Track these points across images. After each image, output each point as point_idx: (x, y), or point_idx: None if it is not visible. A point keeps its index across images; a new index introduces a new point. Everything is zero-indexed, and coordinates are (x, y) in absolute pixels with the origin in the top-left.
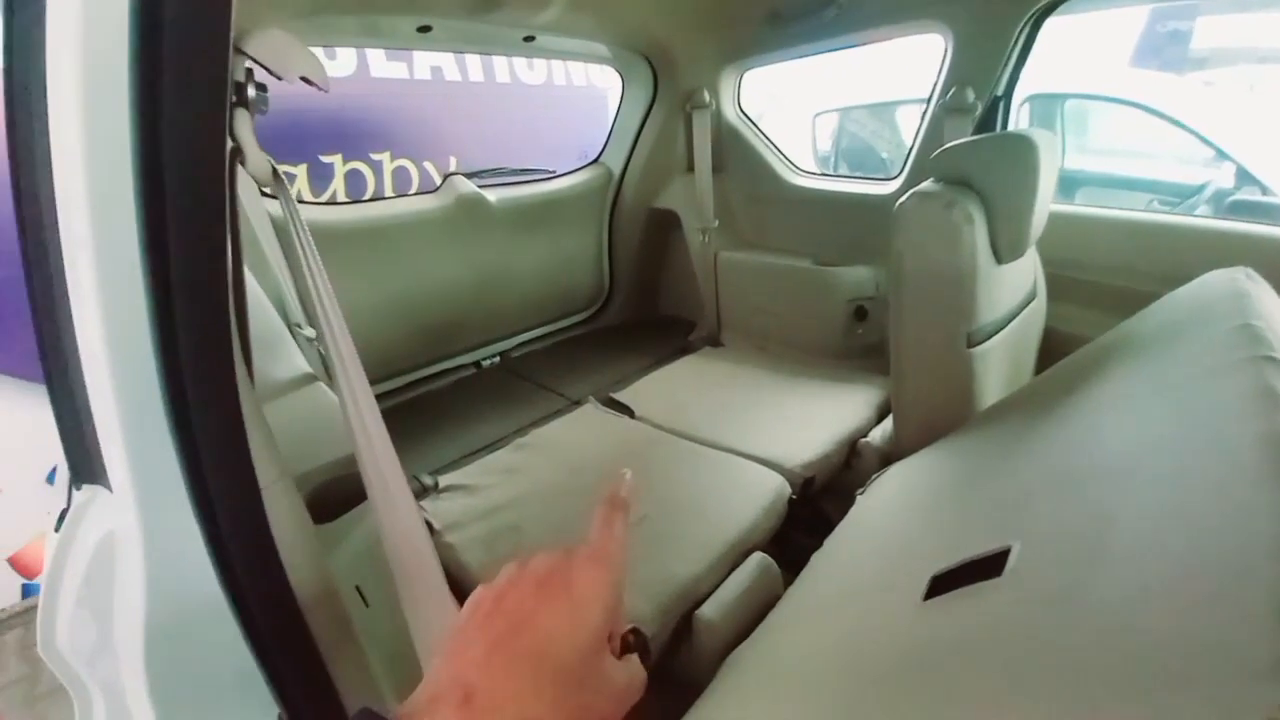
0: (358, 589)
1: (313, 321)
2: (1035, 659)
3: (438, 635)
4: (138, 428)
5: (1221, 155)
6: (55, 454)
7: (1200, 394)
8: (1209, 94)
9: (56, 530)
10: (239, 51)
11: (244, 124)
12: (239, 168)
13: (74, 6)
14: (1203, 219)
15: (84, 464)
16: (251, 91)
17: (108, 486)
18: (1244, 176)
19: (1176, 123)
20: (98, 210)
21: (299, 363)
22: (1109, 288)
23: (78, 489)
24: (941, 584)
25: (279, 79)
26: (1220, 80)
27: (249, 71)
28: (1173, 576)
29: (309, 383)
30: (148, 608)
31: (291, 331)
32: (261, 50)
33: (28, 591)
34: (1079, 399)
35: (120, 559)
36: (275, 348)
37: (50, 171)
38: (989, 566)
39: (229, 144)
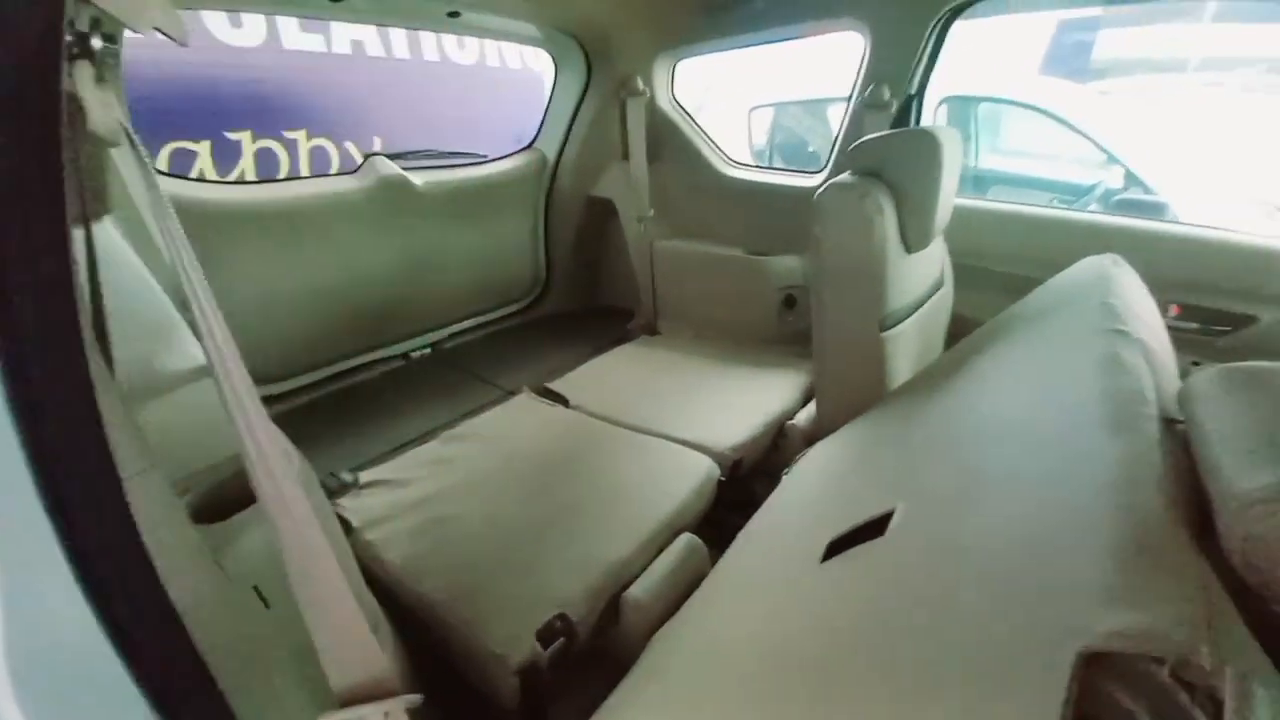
0: (256, 589)
1: (191, 307)
2: (908, 608)
3: (339, 635)
4: None
5: (1112, 159)
6: None
7: (1061, 362)
8: (1103, 102)
9: None
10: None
11: (85, 76)
12: (86, 129)
13: None
14: (1087, 213)
15: None
16: (98, 43)
17: None
18: (1131, 178)
19: (1073, 128)
20: None
21: (194, 352)
22: (1008, 275)
23: None
24: (836, 548)
25: (130, 29)
26: (1117, 89)
27: (95, 20)
28: (1026, 522)
29: (204, 375)
30: (6, 632)
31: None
32: None
33: None
34: (966, 374)
35: None
36: (167, 336)
37: None
38: (875, 528)
39: (64, 98)
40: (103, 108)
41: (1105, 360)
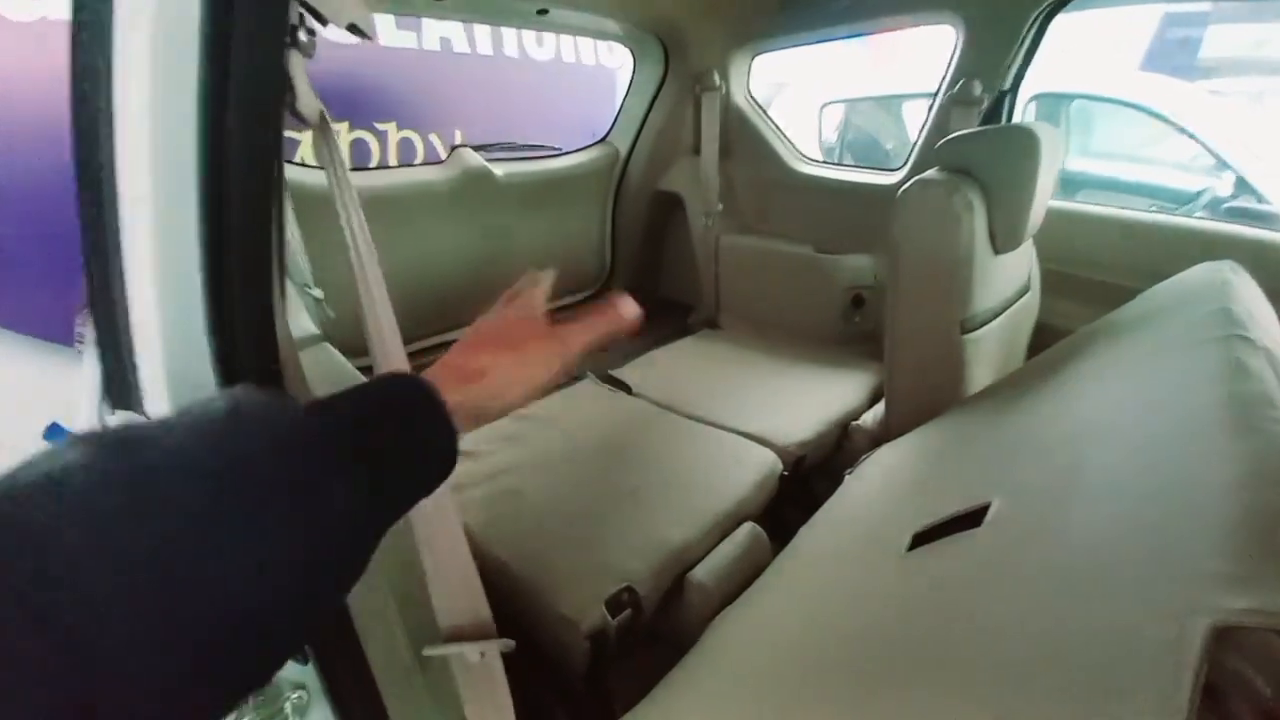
0: None
1: (356, 277)
2: (1009, 592)
3: (452, 581)
4: (181, 356)
5: (1222, 164)
6: (53, 410)
7: (1174, 366)
8: (1215, 103)
9: None
10: None
11: (297, 65)
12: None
13: None
14: (1191, 219)
15: (122, 391)
16: (304, 36)
17: (143, 414)
18: (1242, 185)
19: (1180, 128)
20: (158, 147)
21: (305, 322)
22: (1101, 284)
23: (111, 413)
24: (923, 539)
25: (324, 24)
26: (1228, 90)
27: (302, 15)
28: (1139, 515)
29: (315, 342)
30: None
31: (299, 292)
32: None
33: None
34: (1061, 377)
35: None
36: (296, 303)
37: (111, 107)
38: (970, 520)
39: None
40: (309, 92)
41: (1227, 366)
